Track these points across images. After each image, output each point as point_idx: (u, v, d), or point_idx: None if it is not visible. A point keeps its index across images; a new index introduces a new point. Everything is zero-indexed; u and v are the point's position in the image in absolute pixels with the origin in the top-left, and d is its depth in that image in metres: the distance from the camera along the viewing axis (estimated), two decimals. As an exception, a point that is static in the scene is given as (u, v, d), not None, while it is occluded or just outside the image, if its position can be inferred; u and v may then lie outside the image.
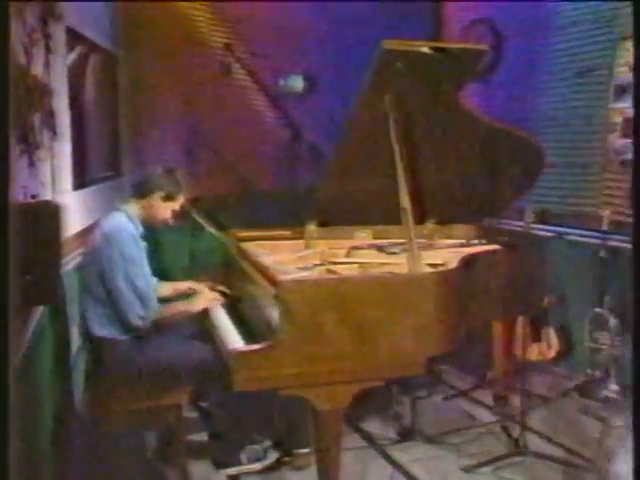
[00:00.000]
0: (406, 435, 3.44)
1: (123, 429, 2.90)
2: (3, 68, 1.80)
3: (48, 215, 2.21)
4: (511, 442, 3.29)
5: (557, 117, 4.43)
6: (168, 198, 2.98)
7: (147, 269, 2.96)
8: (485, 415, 3.73)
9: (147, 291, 2.87)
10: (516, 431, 3.29)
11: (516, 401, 3.52)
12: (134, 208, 2.99)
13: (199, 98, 4.83)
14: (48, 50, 2.84)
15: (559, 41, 4.41)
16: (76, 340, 3.11)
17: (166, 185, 2.98)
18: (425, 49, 2.85)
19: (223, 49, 4.65)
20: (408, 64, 2.83)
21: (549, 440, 3.39)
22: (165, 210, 3.00)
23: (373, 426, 3.56)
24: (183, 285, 3.30)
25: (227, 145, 4.94)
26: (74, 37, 3.37)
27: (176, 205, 3.02)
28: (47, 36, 2.82)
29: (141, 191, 3.00)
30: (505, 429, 3.46)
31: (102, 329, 2.87)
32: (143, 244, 2.98)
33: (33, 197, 2.40)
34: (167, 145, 4.75)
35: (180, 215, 3.07)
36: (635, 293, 2.28)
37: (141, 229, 2.99)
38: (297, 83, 4.90)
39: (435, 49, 2.87)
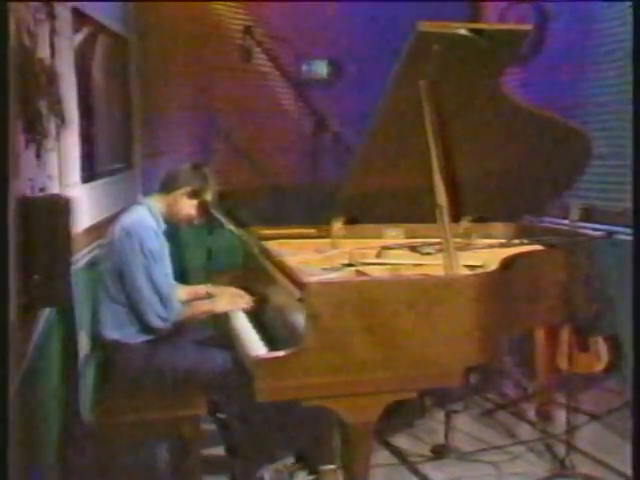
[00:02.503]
0: (440, 452, 3.43)
1: (134, 441, 2.92)
2: (3, 67, 1.83)
3: (57, 210, 2.24)
4: (556, 462, 3.27)
5: (605, 103, 4.39)
6: (194, 195, 3.02)
7: (169, 268, 2.99)
8: (527, 432, 3.70)
9: (169, 290, 2.90)
10: (562, 450, 3.27)
11: (561, 417, 3.47)
12: (157, 204, 3.03)
13: (217, 85, 4.86)
14: (53, 32, 2.86)
15: (606, 20, 4.37)
16: (85, 345, 3.14)
17: (193, 181, 3.02)
18: (463, 31, 2.83)
19: (243, 32, 4.67)
20: (445, 47, 2.82)
21: (598, 462, 3.35)
22: (190, 207, 3.04)
23: (404, 441, 3.56)
24: (201, 289, 3.31)
25: (246, 135, 4.97)
26: (80, 18, 3.39)
27: (202, 202, 3.05)
28: (52, 16, 2.84)
29: (166, 186, 3.04)
30: (549, 448, 3.44)
31: (116, 331, 2.89)
32: (165, 242, 3.01)
33: (41, 191, 2.43)
34: (182, 135, 4.78)
35: (205, 213, 3.09)
36: (635, 292, 2.28)
37: (163, 226, 3.02)
38: (321, 69, 4.92)
39: (474, 31, 2.85)
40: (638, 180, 2.33)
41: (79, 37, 3.41)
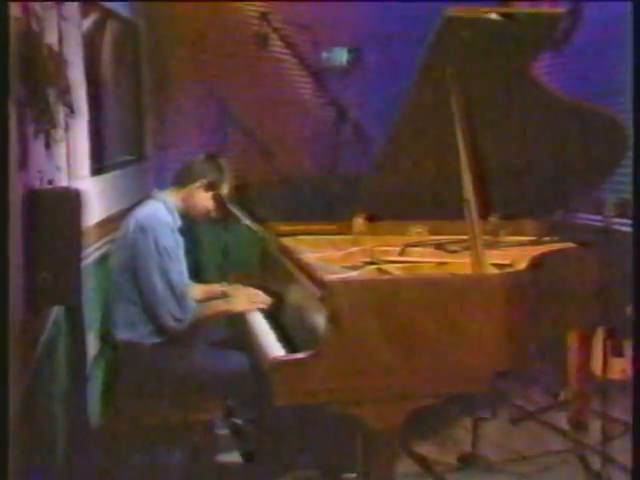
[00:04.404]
0: (467, 461, 3.42)
1: (144, 446, 2.93)
2: (3, 66, 1.84)
3: (67, 203, 2.25)
4: (590, 475, 3.25)
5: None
6: (211, 187, 3.04)
7: (184, 266, 3.01)
8: (559, 442, 3.68)
9: (184, 289, 2.91)
10: (597, 462, 3.25)
11: (596, 427, 3.47)
12: (172, 198, 3.04)
13: (232, 73, 4.87)
14: (61, 17, 2.88)
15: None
16: (94, 345, 3.16)
17: (209, 173, 3.04)
18: (493, 15, 2.83)
19: (259, 18, 4.68)
20: (473, 33, 2.82)
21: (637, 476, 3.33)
22: (207, 200, 3.07)
23: (429, 450, 3.55)
24: (216, 288, 3.33)
25: (263, 126, 4.98)
26: (88, 3, 3.41)
27: (218, 195, 3.06)
28: (59, 1, 2.87)
29: (181, 180, 3.06)
30: (583, 459, 3.42)
31: (127, 331, 2.91)
32: (180, 239, 3.02)
33: (50, 183, 2.44)
34: (195, 126, 4.80)
35: (221, 207, 3.11)
36: (635, 290, 2.26)
37: (179, 222, 3.04)
38: (341, 56, 4.92)
39: (504, 15, 2.84)
40: (638, 177, 2.32)
41: (87, 23, 3.43)
